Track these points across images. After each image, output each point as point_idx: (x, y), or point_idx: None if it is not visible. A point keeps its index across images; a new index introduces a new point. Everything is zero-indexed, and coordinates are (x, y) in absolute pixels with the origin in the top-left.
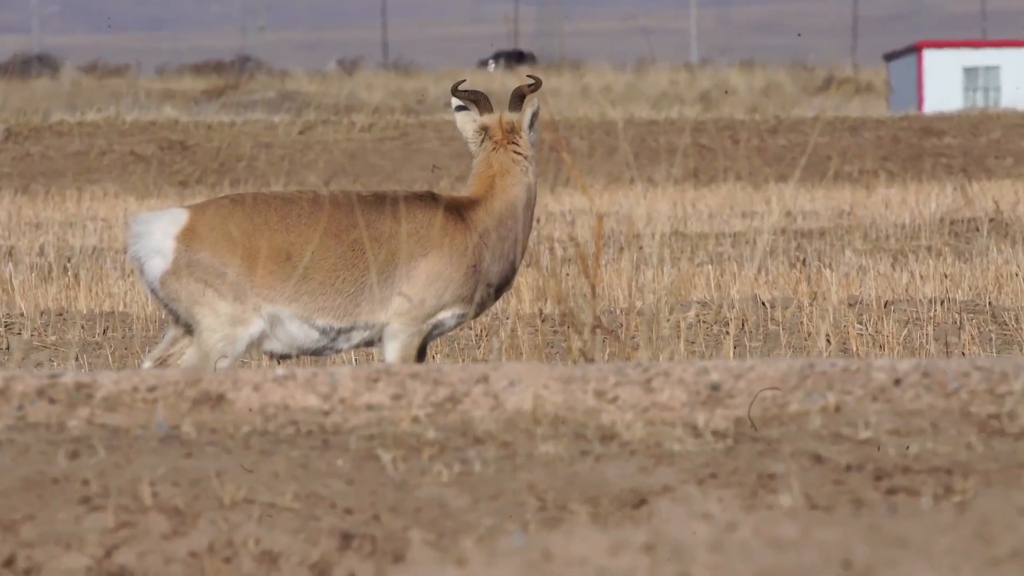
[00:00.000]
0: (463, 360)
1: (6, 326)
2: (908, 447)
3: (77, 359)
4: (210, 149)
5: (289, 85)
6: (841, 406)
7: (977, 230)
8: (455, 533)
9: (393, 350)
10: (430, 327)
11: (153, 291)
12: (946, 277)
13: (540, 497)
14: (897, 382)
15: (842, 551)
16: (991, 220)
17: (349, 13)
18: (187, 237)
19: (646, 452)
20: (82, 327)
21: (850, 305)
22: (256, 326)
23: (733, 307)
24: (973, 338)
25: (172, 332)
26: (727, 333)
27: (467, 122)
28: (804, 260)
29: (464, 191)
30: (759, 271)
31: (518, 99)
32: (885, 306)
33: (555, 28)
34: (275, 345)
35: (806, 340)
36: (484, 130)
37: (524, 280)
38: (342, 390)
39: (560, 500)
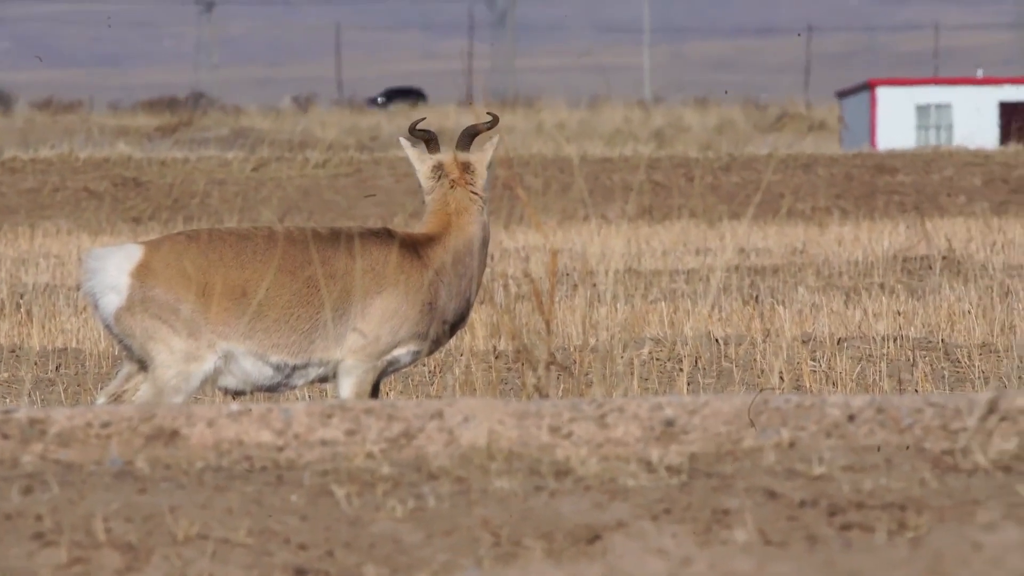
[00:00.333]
0: (417, 396)
1: None
2: (862, 483)
3: (30, 395)
4: (163, 186)
5: (243, 122)
6: (795, 442)
7: (930, 267)
8: (409, 569)
9: (348, 386)
10: (385, 364)
11: (108, 327)
12: (899, 314)
13: (494, 532)
14: (851, 418)
15: None
16: (944, 258)
17: (303, 50)
18: (142, 273)
19: (600, 488)
20: (35, 363)
21: (803, 342)
22: (210, 362)
23: (687, 344)
24: (926, 375)
25: (127, 368)
26: (681, 370)
27: (422, 160)
28: (757, 297)
29: (420, 228)
30: (713, 308)
31: (469, 137)
32: (838, 343)
33: (509, 65)
34: (230, 381)
35: (759, 377)
36: (439, 168)
37: (478, 316)
38: (296, 426)
39: (514, 536)
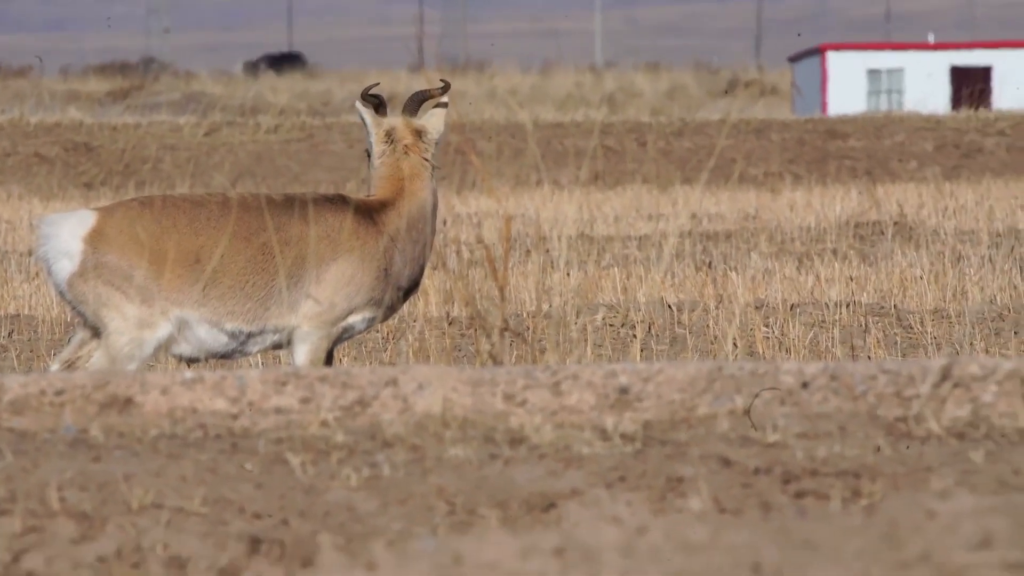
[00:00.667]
0: (371, 363)
1: None
2: (816, 451)
3: None
4: (115, 151)
5: (194, 87)
6: (749, 409)
7: (882, 233)
8: (364, 537)
9: (302, 353)
10: (340, 331)
11: (61, 293)
12: (851, 280)
13: (449, 501)
14: (805, 385)
15: (751, 554)
16: (895, 223)
17: (255, 15)
18: (95, 239)
19: (555, 456)
20: None
21: (756, 308)
22: (163, 329)
23: (640, 310)
24: (879, 341)
25: (80, 335)
26: (634, 336)
27: (378, 124)
28: (710, 263)
29: (374, 194)
30: (666, 274)
31: (417, 102)
32: (791, 309)
33: (460, 30)
34: (184, 348)
35: (713, 343)
36: (392, 133)
37: (432, 283)
38: (251, 393)
39: (469, 504)
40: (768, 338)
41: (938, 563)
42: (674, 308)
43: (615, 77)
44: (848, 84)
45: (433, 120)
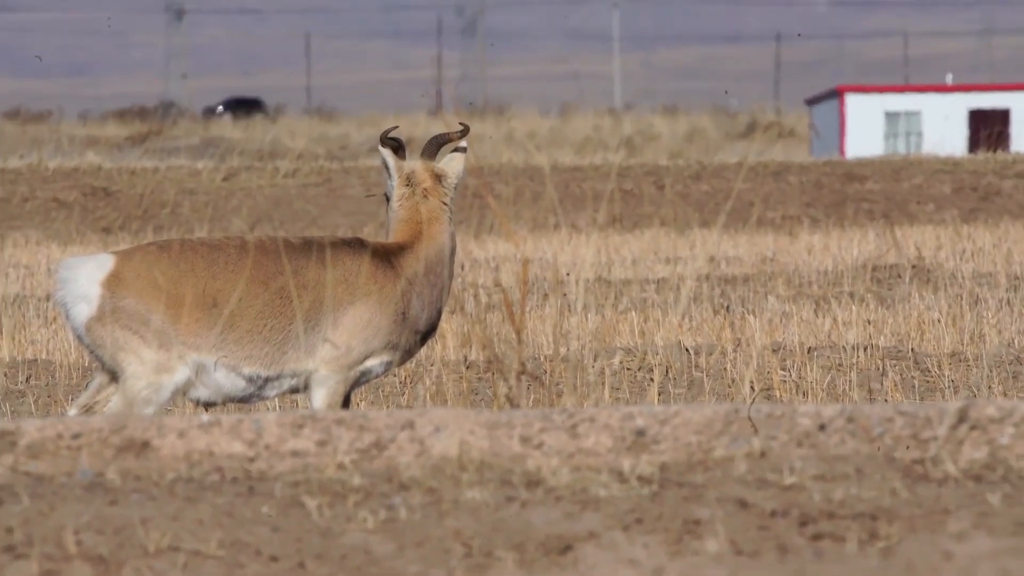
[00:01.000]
0: (388, 406)
1: None
2: (833, 492)
3: None
4: (133, 195)
5: (213, 131)
6: (766, 452)
7: (899, 276)
8: None
9: (320, 397)
10: (357, 374)
11: (79, 337)
12: (869, 323)
13: (466, 544)
14: (822, 427)
15: None
16: (913, 266)
17: (273, 59)
18: (113, 283)
19: (572, 498)
20: (4, 375)
21: (774, 351)
22: (181, 374)
23: (657, 353)
24: (896, 384)
25: (98, 379)
26: (651, 379)
27: (399, 168)
28: (728, 306)
29: (391, 237)
30: (683, 317)
31: (436, 146)
32: (808, 352)
33: (479, 73)
34: (202, 392)
35: (730, 386)
36: (412, 177)
37: (449, 326)
38: (267, 436)
39: (486, 546)
40: (785, 381)
41: None
42: (691, 351)
43: (633, 120)
44: (866, 126)
45: (452, 164)
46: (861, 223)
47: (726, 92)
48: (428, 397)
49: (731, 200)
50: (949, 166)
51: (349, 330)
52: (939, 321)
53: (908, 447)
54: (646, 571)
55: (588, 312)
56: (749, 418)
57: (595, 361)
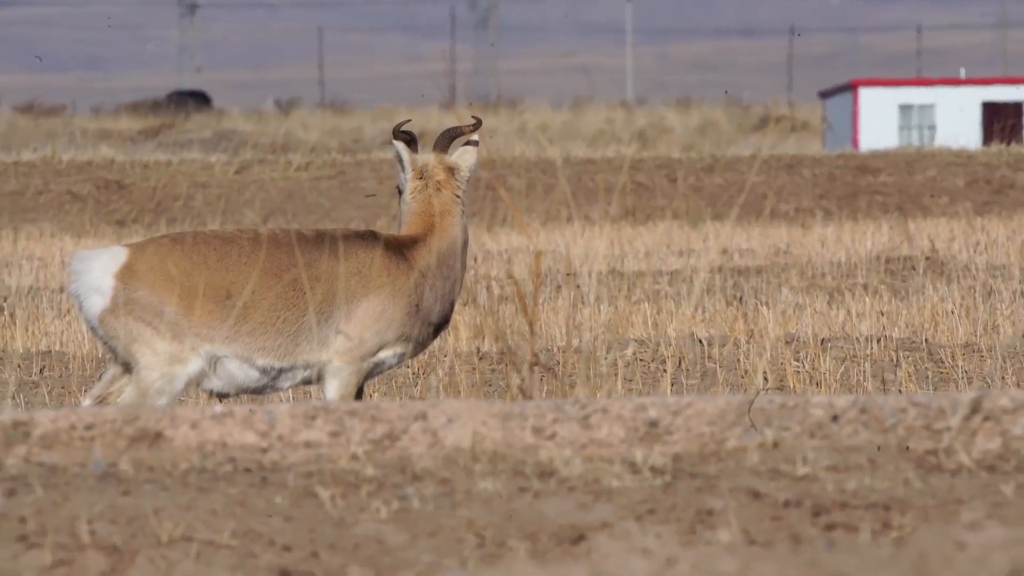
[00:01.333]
0: (401, 397)
1: None
2: (846, 483)
3: (14, 398)
4: (147, 188)
5: (225, 124)
6: (779, 442)
7: (913, 268)
8: (394, 570)
9: (333, 388)
10: (371, 366)
11: (92, 329)
12: (882, 315)
13: (479, 534)
14: (835, 418)
15: None
16: (927, 258)
17: (285, 53)
18: (126, 275)
19: (584, 488)
20: (19, 366)
21: (787, 342)
22: (194, 365)
23: (670, 345)
24: (910, 375)
25: (112, 370)
26: (664, 371)
27: (413, 162)
28: (741, 298)
29: (404, 230)
30: (696, 309)
31: (448, 139)
32: (822, 343)
33: (491, 67)
34: (215, 384)
35: (743, 378)
36: (425, 170)
37: (462, 318)
38: (280, 427)
39: (499, 537)
40: (799, 372)
41: None
42: (704, 343)
43: (646, 113)
44: (879, 119)
45: (465, 157)
46: (875, 215)
47: (726, 92)
48: (441, 388)
49: (744, 193)
50: (963, 159)
51: (362, 322)
52: (953, 312)
53: (921, 438)
54: (659, 561)
55: (601, 304)
56: (749, 417)
57: (608, 352)
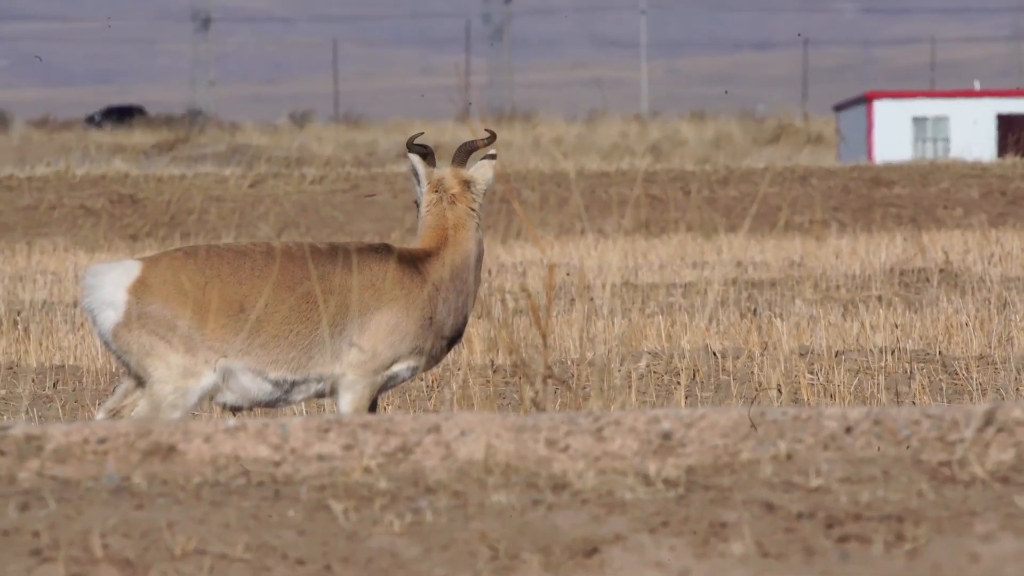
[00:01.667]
0: (414, 410)
1: None
2: (859, 495)
3: (27, 412)
4: (160, 202)
5: (240, 138)
6: (792, 454)
7: (927, 280)
8: None
9: (347, 402)
10: (384, 379)
11: (106, 343)
12: (896, 327)
13: (492, 546)
14: (848, 430)
15: None
16: (941, 270)
17: (300, 67)
18: (139, 289)
19: (598, 501)
20: (32, 380)
21: (801, 355)
22: (208, 378)
23: (684, 357)
24: (924, 387)
25: (125, 384)
26: (678, 383)
27: (429, 175)
28: (755, 310)
29: (418, 243)
30: (710, 321)
31: (465, 153)
32: (836, 356)
33: (506, 80)
34: (228, 397)
35: (757, 390)
36: (441, 183)
37: (475, 331)
38: (293, 440)
39: (512, 549)
40: (813, 384)
41: None
42: (718, 355)
43: (660, 126)
44: (894, 132)
45: (481, 171)
46: (889, 228)
47: (725, 91)
48: (455, 401)
49: (757, 205)
50: (977, 171)
51: (376, 335)
52: (967, 324)
53: (935, 449)
54: (672, 573)
55: (615, 316)
56: (750, 420)
57: (621, 365)
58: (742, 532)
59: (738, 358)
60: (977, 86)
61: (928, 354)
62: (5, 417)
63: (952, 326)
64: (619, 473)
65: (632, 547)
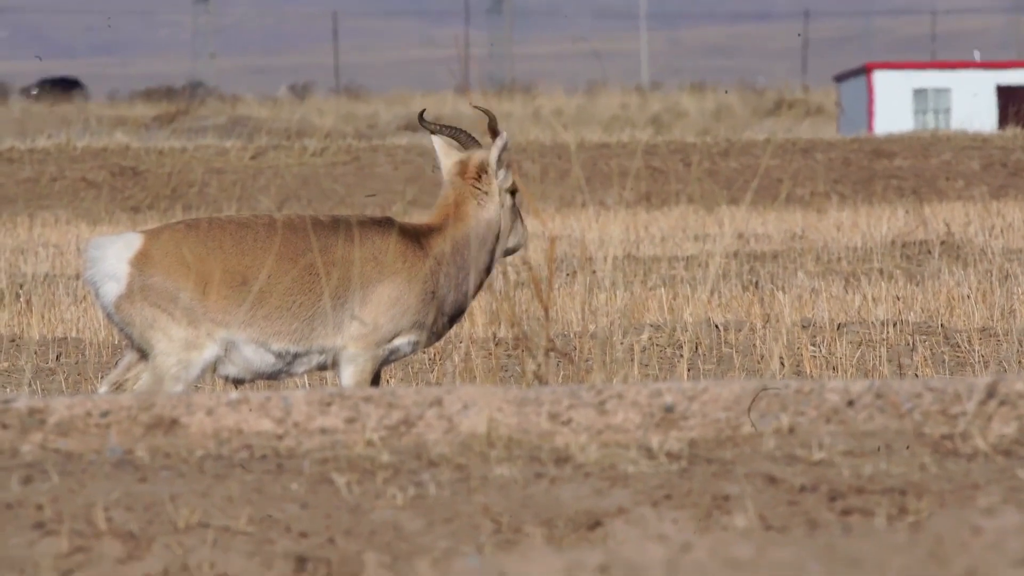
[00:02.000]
0: (417, 383)
1: None
2: (862, 468)
3: (30, 385)
4: (161, 175)
5: (240, 110)
6: (795, 427)
7: (929, 252)
8: (410, 556)
9: (349, 374)
10: (386, 352)
11: (108, 315)
12: (898, 299)
13: (495, 519)
14: (850, 403)
15: (797, 571)
16: (942, 242)
17: (300, 38)
18: (141, 261)
19: (600, 474)
20: (35, 353)
21: (803, 327)
22: (210, 351)
23: (686, 330)
24: (926, 360)
25: (128, 357)
26: (680, 356)
27: (447, 156)
28: (757, 283)
29: (424, 219)
30: (712, 294)
31: (469, 140)
32: (838, 328)
33: (506, 52)
34: (231, 369)
35: (759, 363)
36: (462, 163)
37: (478, 304)
38: (296, 414)
39: (515, 522)
40: (815, 357)
41: None
42: (720, 328)
43: (661, 98)
44: (894, 103)
45: (492, 151)
46: (890, 200)
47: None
48: (457, 374)
49: (759, 177)
50: (978, 142)
51: (377, 307)
52: (969, 297)
53: (937, 422)
54: (675, 546)
55: (616, 289)
56: (749, 411)
57: (624, 338)
58: (745, 505)
59: (740, 331)
60: (977, 57)
61: (930, 326)
62: (8, 390)
63: (954, 298)
64: (622, 446)
65: (635, 520)
